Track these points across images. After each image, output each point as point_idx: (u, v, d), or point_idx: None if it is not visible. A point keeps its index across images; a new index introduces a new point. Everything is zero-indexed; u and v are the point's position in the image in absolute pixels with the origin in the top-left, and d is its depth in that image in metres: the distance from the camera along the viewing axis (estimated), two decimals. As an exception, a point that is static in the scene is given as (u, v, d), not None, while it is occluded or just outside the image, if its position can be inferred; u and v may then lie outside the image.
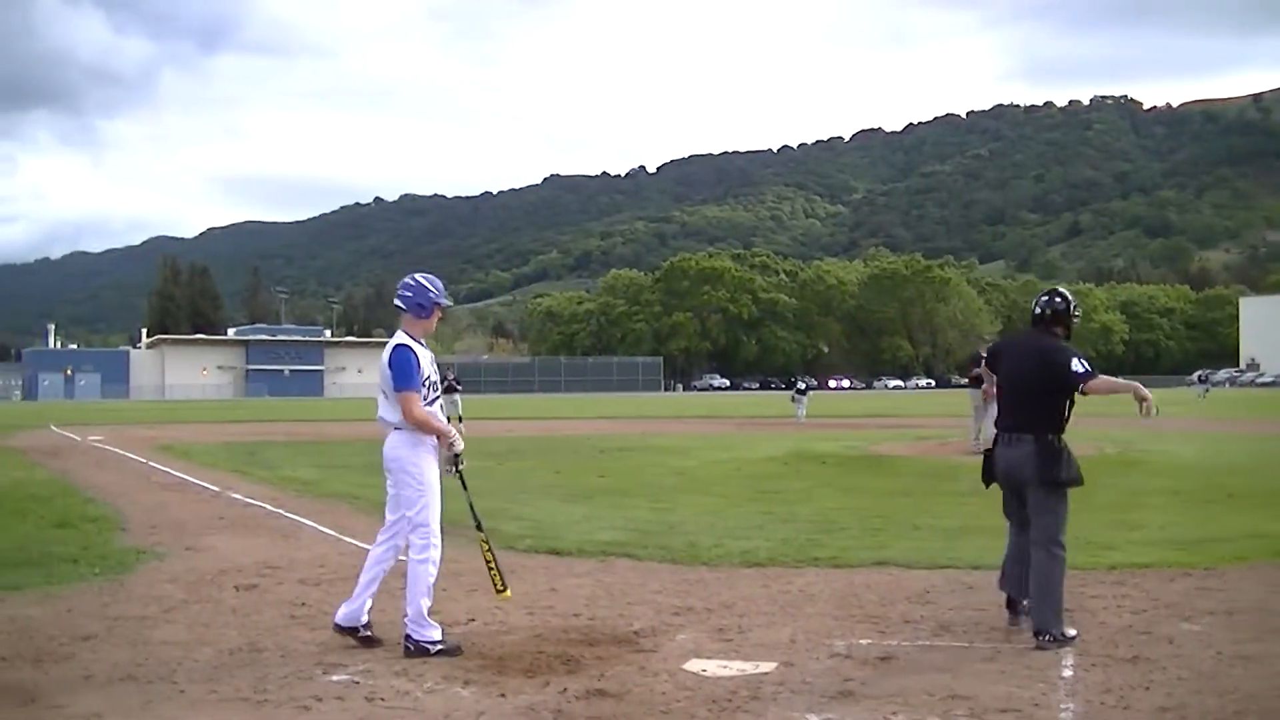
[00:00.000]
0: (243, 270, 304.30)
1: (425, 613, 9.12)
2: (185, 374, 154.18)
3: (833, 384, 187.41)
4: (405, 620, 9.14)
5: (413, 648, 9.02)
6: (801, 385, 61.10)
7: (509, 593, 9.94)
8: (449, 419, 30.26)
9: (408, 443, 9.32)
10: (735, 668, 8.59)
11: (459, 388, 45.89)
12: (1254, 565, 12.65)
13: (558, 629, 9.86)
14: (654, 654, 9.05)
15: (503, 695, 7.92)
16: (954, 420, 44.11)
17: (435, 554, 9.26)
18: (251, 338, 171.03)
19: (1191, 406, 70.58)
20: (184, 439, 41.02)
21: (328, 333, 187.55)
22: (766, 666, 8.60)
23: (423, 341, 9.54)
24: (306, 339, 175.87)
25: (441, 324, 9.72)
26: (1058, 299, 10.14)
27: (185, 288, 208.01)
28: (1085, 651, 8.81)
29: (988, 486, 10.04)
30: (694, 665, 8.67)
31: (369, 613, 9.46)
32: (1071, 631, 9.21)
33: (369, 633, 9.40)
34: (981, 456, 10.25)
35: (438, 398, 9.55)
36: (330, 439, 41.30)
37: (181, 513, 18.88)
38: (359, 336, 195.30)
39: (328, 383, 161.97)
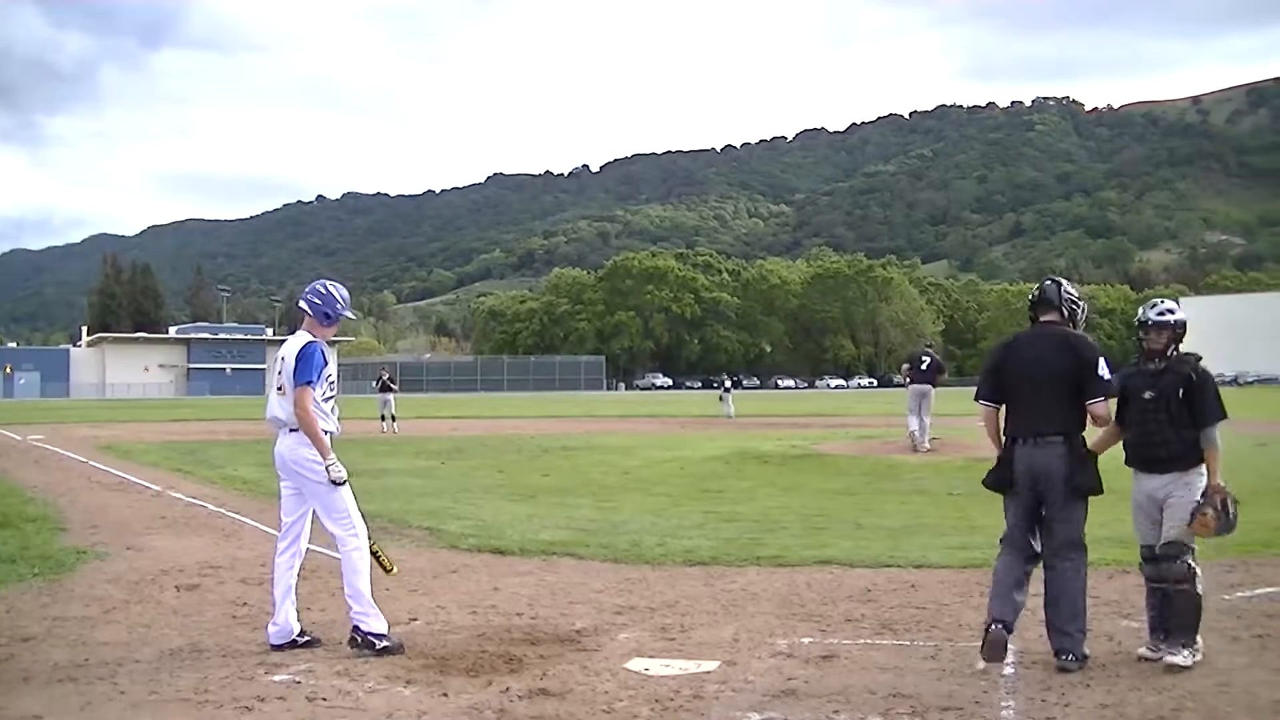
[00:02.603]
0: (185, 268, 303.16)
1: (370, 598, 9.13)
2: (126, 373, 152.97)
3: (782, 384, 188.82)
4: (351, 613, 9.14)
5: (359, 639, 9.03)
6: (728, 384, 64.70)
7: (396, 570, 9.95)
8: (381, 417, 30.29)
9: (306, 441, 9.32)
10: (678, 667, 8.62)
11: (394, 387, 45.84)
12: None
13: (500, 628, 9.86)
14: (597, 653, 9.06)
15: (445, 695, 7.93)
16: (896, 419, 44.31)
17: (362, 539, 9.28)
18: (193, 336, 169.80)
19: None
20: (125, 438, 40.73)
21: (269, 331, 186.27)
22: (709, 665, 8.63)
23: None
24: (248, 338, 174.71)
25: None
26: (1048, 282, 9.42)
27: (127, 286, 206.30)
28: (1026, 649, 8.86)
29: (1003, 491, 9.14)
30: (636, 664, 8.70)
31: (299, 620, 9.45)
32: (1088, 650, 8.69)
33: (307, 637, 9.38)
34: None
35: (334, 396, 9.56)
36: (272, 438, 41.07)
37: (123, 513, 18.76)
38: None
39: (270, 382, 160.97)
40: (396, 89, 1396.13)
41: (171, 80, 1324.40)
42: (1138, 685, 8.03)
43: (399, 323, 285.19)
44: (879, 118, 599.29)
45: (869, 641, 9.44)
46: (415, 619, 10.25)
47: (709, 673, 8.44)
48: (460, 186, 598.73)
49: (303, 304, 9.64)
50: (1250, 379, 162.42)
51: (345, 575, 9.22)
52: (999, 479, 9.16)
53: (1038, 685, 8.06)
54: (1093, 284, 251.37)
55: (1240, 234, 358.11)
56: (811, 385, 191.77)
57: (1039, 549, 8.97)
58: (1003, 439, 9.27)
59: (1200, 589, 8.66)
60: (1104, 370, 8.95)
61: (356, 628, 9.08)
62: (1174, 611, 8.64)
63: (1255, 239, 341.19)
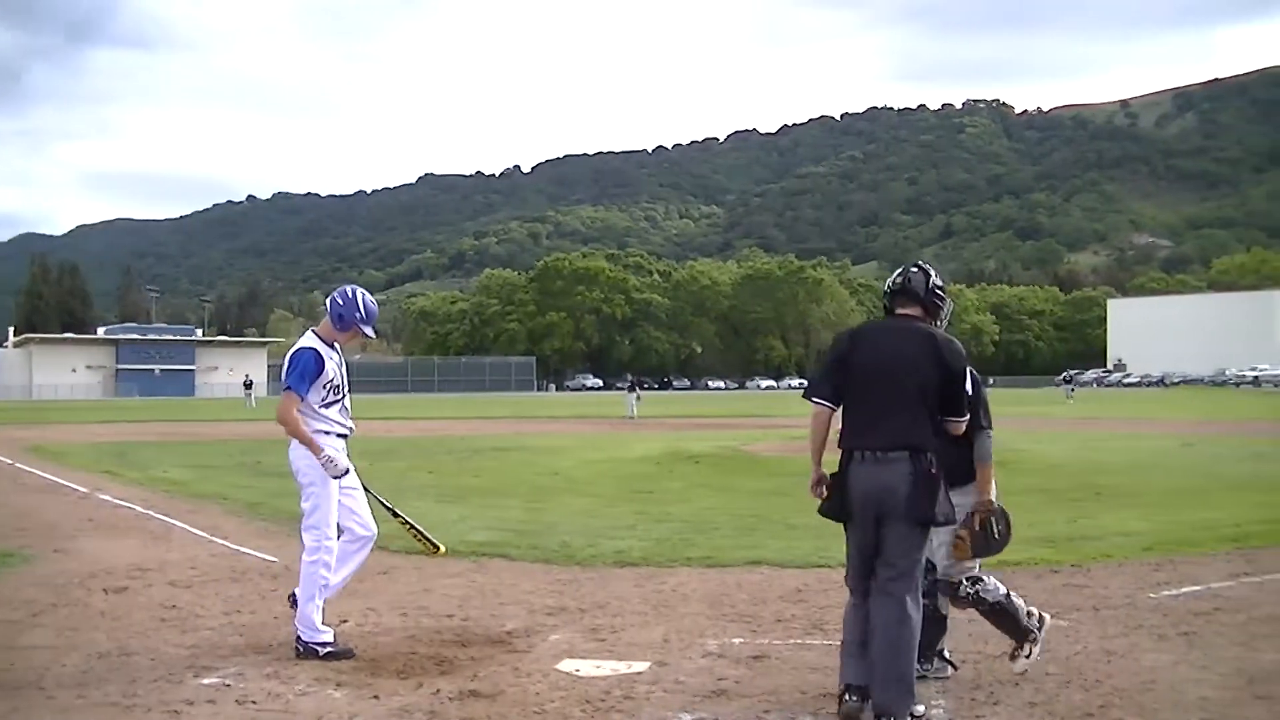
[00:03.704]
0: (114, 269, 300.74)
1: (317, 614, 9.08)
2: (54, 374, 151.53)
3: (712, 385, 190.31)
4: (295, 621, 9.13)
5: (302, 649, 8.99)
6: (633, 383, 68.58)
7: (444, 549, 10.29)
8: None
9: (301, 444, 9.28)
10: (609, 668, 8.64)
11: None
12: (1121, 563, 12.88)
13: (431, 630, 9.84)
14: (527, 654, 9.07)
15: (375, 697, 7.91)
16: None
17: (326, 555, 9.19)
18: (122, 337, 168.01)
19: (1060, 407, 71.69)
20: (53, 440, 40.44)
21: (199, 332, 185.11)
22: (640, 666, 8.66)
23: (335, 346, 9.48)
24: (178, 338, 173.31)
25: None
26: (914, 270, 7.93)
27: (54, 286, 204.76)
28: (956, 649, 8.89)
29: (838, 519, 7.70)
30: (567, 665, 8.71)
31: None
32: (921, 709, 7.43)
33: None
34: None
35: (339, 400, 9.50)
36: (202, 439, 40.93)
37: (50, 515, 18.64)
38: (231, 336, 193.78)
39: (199, 382, 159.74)
40: (327, 88, 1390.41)
41: (100, 78, 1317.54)
42: (1067, 683, 8.11)
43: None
44: (810, 119, 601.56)
45: (800, 642, 9.48)
46: (345, 621, 10.19)
47: (640, 673, 8.46)
48: (391, 187, 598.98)
49: (326, 302, 9.57)
50: (1176, 379, 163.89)
51: (300, 585, 9.19)
52: (836, 507, 7.68)
53: (967, 684, 8.13)
54: (1022, 285, 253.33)
55: (1167, 236, 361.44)
56: (742, 386, 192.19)
57: None
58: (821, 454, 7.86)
59: (999, 594, 8.25)
60: (970, 385, 7.73)
61: (299, 637, 9.06)
62: (1000, 628, 8.40)
63: (1182, 241, 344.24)
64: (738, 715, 7.48)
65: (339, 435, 9.45)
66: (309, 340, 9.41)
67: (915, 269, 7.91)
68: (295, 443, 9.30)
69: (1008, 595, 8.32)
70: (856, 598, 7.58)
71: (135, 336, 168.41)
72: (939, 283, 7.94)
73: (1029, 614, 8.34)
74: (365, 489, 9.66)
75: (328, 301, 9.55)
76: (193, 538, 15.73)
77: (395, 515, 10.09)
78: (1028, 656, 8.23)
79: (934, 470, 7.39)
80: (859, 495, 7.44)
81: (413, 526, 10.09)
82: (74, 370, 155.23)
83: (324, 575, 9.18)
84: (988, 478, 8.08)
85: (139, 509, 19.21)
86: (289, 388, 9.17)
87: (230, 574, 12.57)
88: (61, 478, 25.29)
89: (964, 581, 8.24)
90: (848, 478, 7.53)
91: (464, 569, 13.00)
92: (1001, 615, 8.30)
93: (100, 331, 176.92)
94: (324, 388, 9.31)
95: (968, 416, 7.69)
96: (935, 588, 8.20)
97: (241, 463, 29.21)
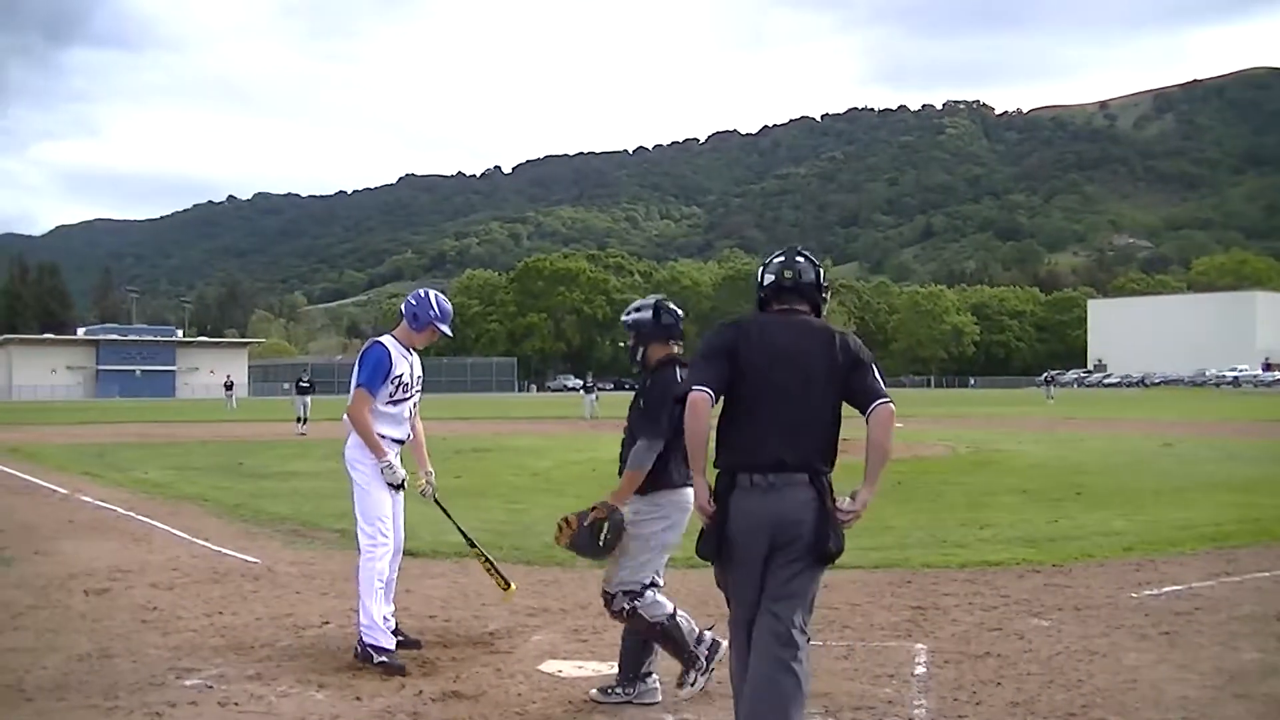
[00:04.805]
0: (93, 269, 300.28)
1: (374, 614, 8.96)
2: (34, 374, 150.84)
3: None
4: (357, 622, 9.06)
5: (360, 650, 8.91)
6: (591, 384, 68.44)
7: (514, 588, 9.83)
8: (297, 419, 30.04)
9: (356, 442, 9.27)
10: (590, 668, 8.63)
11: (311, 389, 45.61)
12: (1102, 562, 12.90)
13: (413, 631, 9.77)
14: (509, 655, 9.08)
15: (358, 698, 7.91)
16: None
17: (381, 551, 9.11)
18: (102, 338, 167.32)
19: (1040, 407, 71.78)
20: (32, 441, 40.27)
21: (179, 333, 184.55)
22: (622, 667, 8.58)
23: (409, 349, 9.50)
24: (158, 339, 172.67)
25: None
26: (800, 260, 6.44)
27: (33, 286, 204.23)
28: (938, 649, 8.91)
29: (714, 560, 6.59)
30: (549, 666, 8.71)
31: (392, 618, 9.37)
32: None
33: (401, 637, 9.31)
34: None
35: (408, 399, 9.48)
36: (182, 440, 40.78)
37: (30, 516, 18.54)
38: (211, 337, 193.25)
39: (180, 383, 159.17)
40: (308, 89, 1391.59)
41: (79, 77, 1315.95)
42: (1049, 683, 8.11)
43: (310, 324, 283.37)
44: (791, 120, 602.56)
45: (782, 642, 9.40)
46: (327, 622, 10.19)
47: (622, 674, 8.39)
48: (372, 187, 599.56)
49: (401, 305, 9.65)
50: (1156, 380, 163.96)
51: (358, 586, 9.12)
52: (715, 544, 6.42)
53: (950, 684, 8.11)
54: (1002, 286, 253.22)
55: (1146, 237, 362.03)
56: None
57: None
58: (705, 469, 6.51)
59: (661, 612, 7.80)
60: (878, 381, 6.21)
61: (360, 639, 8.97)
62: (664, 650, 7.92)
63: (1160, 242, 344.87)
64: (719, 716, 7.49)
65: (394, 441, 9.42)
66: (382, 339, 9.45)
67: (801, 259, 6.44)
68: (353, 438, 9.29)
69: (673, 615, 7.84)
70: (740, 647, 6.45)
71: (115, 337, 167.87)
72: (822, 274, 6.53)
73: (699, 639, 7.98)
74: (448, 515, 10.04)
75: (402, 305, 9.62)
76: (174, 539, 15.67)
77: (472, 546, 10.06)
78: (692, 684, 7.91)
79: (834, 496, 6.21)
80: (747, 528, 6.24)
81: (488, 560, 10.04)
82: (54, 371, 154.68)
83: (379, 570, 9.11)
84: (630, 485, 7.57)
85: (119, 510, 19.12)
86: (362, 385, 9.19)
87: (211, 575, 12.52)
88: (41, 479, 25.18)
89: (620, 594, 7.79)
90: (729, 508, 6.31)
91: (446, 570, 13.00)
92: (665, 637, 7.85)
93: (80, 332, 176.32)
94: (391, 383, 9.28)
95: (889, 400, 6.13)
96: (633, 613, 7.78)
97: (223, 464, 29.14)
